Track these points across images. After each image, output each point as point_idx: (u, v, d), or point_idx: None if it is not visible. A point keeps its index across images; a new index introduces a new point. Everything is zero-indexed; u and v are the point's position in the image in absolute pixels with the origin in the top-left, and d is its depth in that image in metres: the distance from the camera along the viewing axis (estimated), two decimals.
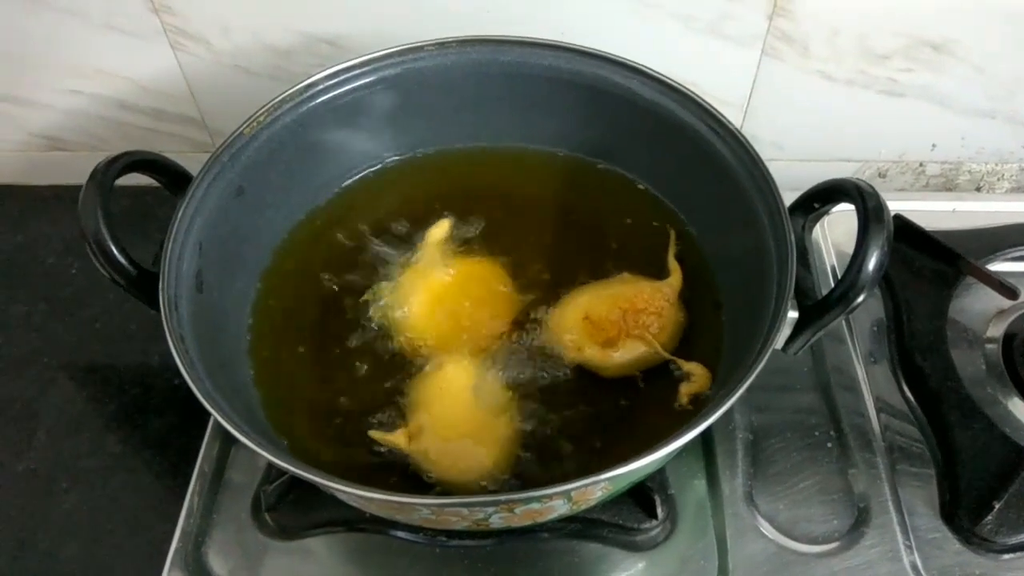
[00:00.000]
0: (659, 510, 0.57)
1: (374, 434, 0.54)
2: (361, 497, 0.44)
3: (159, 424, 0.68)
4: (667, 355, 0.57)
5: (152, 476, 0.65)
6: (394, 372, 0.58)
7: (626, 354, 0.57)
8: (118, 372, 0.72)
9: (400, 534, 0.58)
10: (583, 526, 0.58)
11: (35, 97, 0.80)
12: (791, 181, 0.58)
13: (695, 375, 0.56)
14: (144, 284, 0.52)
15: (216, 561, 0.57)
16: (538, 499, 0.45)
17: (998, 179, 0.87)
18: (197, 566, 0.56)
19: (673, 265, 0.62)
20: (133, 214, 0.79)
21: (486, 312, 0.60)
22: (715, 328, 0.59)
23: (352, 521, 0.58)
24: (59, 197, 0.86)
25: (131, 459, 0.66)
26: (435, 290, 0.60)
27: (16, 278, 0.79)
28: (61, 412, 0.69)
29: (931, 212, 0.76)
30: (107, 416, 0.69)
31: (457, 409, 0.54)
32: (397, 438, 0.53)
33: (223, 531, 0.58)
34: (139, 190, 0.66)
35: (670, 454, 0.44)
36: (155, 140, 0.83)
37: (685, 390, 0.56)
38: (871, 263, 0.47)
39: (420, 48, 0.63)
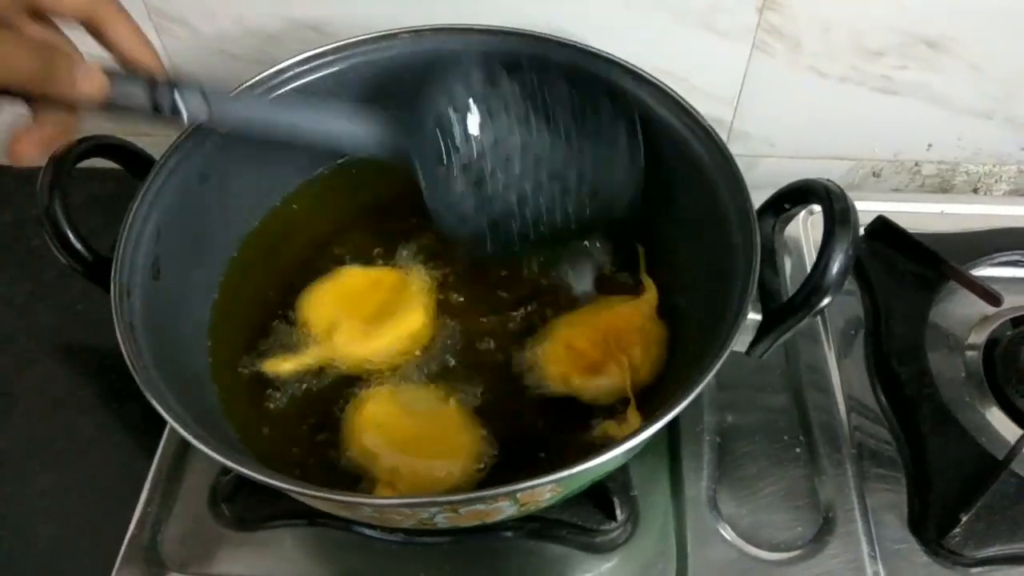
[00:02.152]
0: (618, 512, 0.56)
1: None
2: (304, 495, 0.43)
3: (135, 409, 0.67)
4: (629, 392, 0.55)
5: (125, 460, 0.65)
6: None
7: (611, 380, 0.56)
8: (97, 356, 0.72)
9: (360, 529, 0.57)
10: (542, 526, 0.57)
11: None
12: (782, 178, 0.56)
13: (627, 421, 0.54)
14: (101, 270, 0.51)
15: (171, 550, 0.57)
16: (482, 500, 0.44)
17: (996, 181, 0.85)
18: (151, 555, 0.56)
19: (647, 281, 0.61)
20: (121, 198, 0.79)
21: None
22: (680, 328, 0.58)
23: (311, 515, 0.57)
24: None
25: (105, 443, 0.66)
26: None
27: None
28: (38, 394, 0.69)
29: (920, 214, 0.75)
30: (83, 399, 0.69)
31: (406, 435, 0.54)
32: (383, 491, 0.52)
33: (180, 520, 0.58)
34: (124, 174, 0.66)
35: (618, 457, 0.44)
36: (136, 123, 0.83)
37: (605, 427, 0.55)
38: (835, 266, 0.46)
39: (394, 36, 0.62)
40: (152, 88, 0.46)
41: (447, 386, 0.57)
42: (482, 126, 0.58)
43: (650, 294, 0.60)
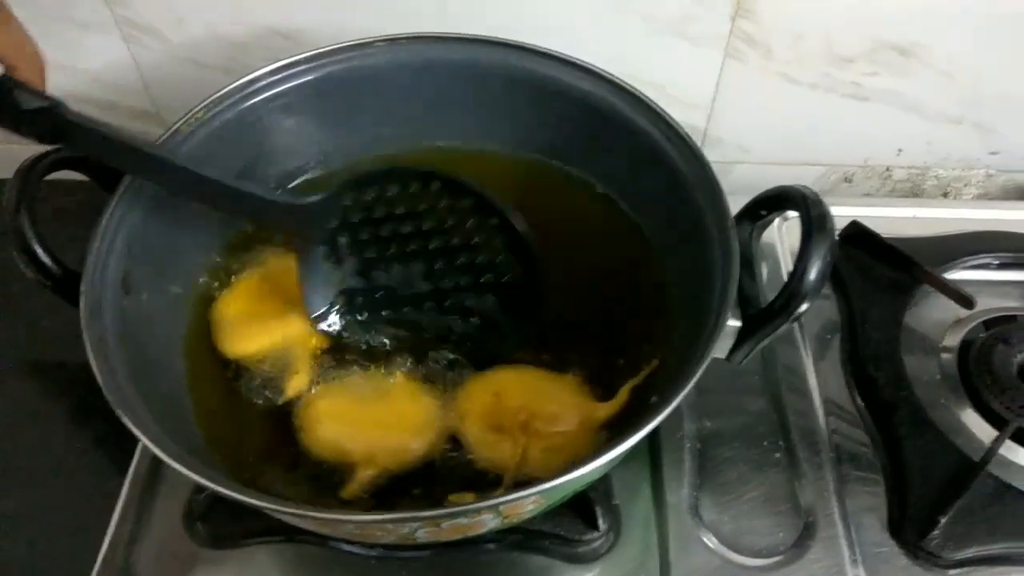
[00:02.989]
0: (600, 521, 0.56)
1: (346, 494, 0.51)
2: (283, 513, 0.42)
3: (104, 426, 0.66)
4: (507, 476, 0.52)
5: (95, 479, 0.63)
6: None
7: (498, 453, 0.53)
8: (65, 371, 0.70)
9: (339, 545, 0.57)
10: (524, 537, 0.57)
11: None
12: (756, 184, 0.56)
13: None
14: (70, 285, 0.50)
15: (145, 570, 0.56)
16: (464, 514, 0.44)
17: (964, 185, 0.86)
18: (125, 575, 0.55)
19: (622, 396, 0.55)
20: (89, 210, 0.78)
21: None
22: (660, 336, 0.58)
23: (288, 531, 0.56)
24: None
25: (75, 461, 0.64)
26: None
27: None
28: (5, 410, 0.67)
29: (893, 218, 0.76)
30: (52, 416, 0.67)
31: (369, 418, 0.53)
32: (362, 478, 0.51)
33: (154, 539, 0.57)
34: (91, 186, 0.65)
35: (600, 468, 0.43)
36: None
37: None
38: (813, 272, 0.46)
39: (369, 44, 0.62)
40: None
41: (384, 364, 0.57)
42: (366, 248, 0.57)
43: (611, 407, 0.54)
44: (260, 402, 0.56)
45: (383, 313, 0.59)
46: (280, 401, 0.56)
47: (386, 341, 0.59)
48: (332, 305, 0.59)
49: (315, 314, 0.58)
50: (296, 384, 0.56)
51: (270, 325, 0.58)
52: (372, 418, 0.54)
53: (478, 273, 0.57)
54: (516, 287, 0.57)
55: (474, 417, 0.54)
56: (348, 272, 0.58)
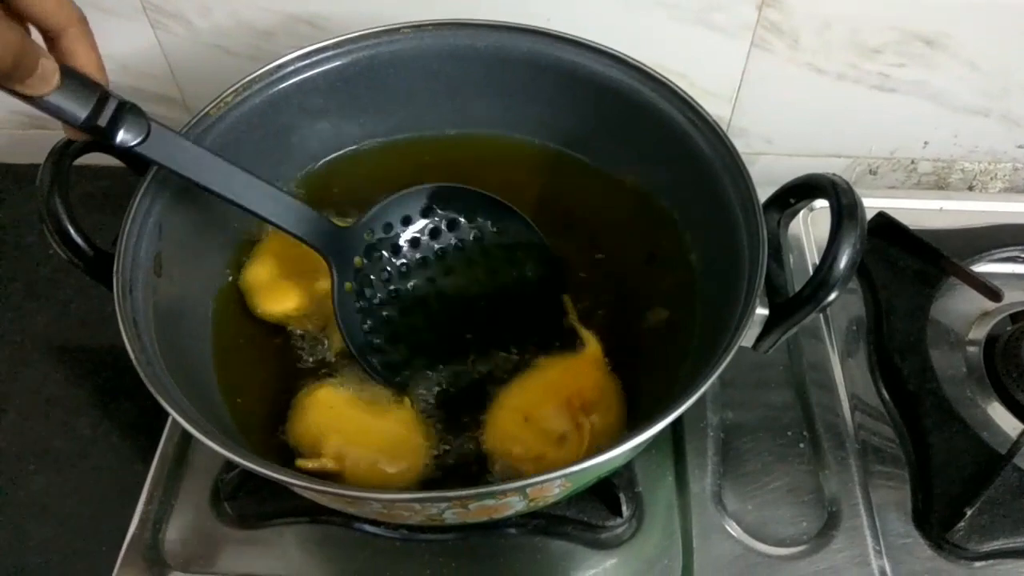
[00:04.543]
0: (624, 508, 0.56)
1: (301, 463, 0.51)
2: (311, 490, 0.43)
3: (130, 407, 0.67)
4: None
5: (121, 460, 0.64)
6: None
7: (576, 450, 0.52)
8: (91, 354, 0.71)
9: (362, 526, 0.57)
10: (547, 522, 0.57)
11: None
12: (780, 175, 0.57)
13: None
14: (103, 266, 0.51)
15: (173, 549, 0.56)
16: (492, 495, 0.44)
17: (991, 178, 0.85)
18: (153, 554, 0.56)
19: (583, 333, 0.57)
20: (121, 195, 0.79)
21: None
22: (685, 323, 0.58)
23: (313, 512, 0.57)
24: None
25: (101, 442, 0.65)
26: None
27: None
28: (32, 393, 0.68)
29: (919, 210, 0.75)
30: (78, 398, 0.68)
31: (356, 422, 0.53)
32: (324, 462, 0.51)
33: (182, 518, 0.58)
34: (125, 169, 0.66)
35: (625, 453, 0.43)
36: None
37: None
38: (842, 261, 0.46)
39: (396, 30, 0.62)
40: (99, 103, 0.45)
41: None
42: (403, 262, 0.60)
43: (592, 345, 0.56)
44: (311, 360, 0.57)
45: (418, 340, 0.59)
46: (332, 357, 0.56)
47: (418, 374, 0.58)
48: (369, 334, 0.58)
49: (356, 344, 0.56)
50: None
51: (304, 281, 0.58)
52: (360, 425, 0.53)
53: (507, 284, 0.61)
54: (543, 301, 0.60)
55: (538, 449, 0.52)
56: (381, 299, 0.59)
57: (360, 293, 0.58)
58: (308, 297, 0.58)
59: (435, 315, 0.60)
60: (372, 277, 0.59)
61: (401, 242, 0.60)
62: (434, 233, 0.61)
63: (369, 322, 0.58)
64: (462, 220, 0.61)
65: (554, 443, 0.52)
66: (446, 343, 0.59)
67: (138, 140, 0.48)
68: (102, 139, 0.46)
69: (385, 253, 0.59)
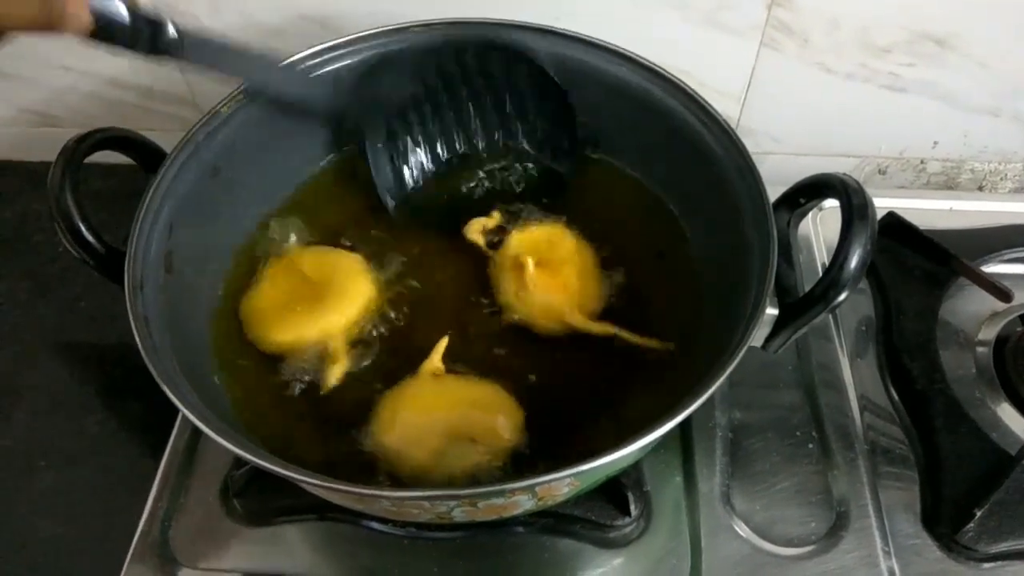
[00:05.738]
0: (632, 507, 0.56)
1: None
2: (321, 487, 0.43)
3: (138, 405, 0.67)
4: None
5: (129, 457, 0.64)
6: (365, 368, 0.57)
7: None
8: (100, 352, 0.71)
9: (370, 524, 0.57)
10: (555, 521, 0.57)
11: (26, 73, 0.80)
12: (789, 175, 0.57)
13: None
14: (113, 264, 0.51)
15: (182, 546, 0.56)
16: (500, 494, 0.44)
17: (1001, 179, 0.85)
18: (162, 550, 0.56)
19: (604, 327, 0.58)
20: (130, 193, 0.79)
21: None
22: (694, 322, 0.58)
23: (322, 509, 0.57)
24: None
25: (109, 440, 0.65)
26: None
27: (2, 254, 0.79)
28: (41, 391, 0.69)
29: (929, 210, 0.75)
30: (87, 396, 0.68)
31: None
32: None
33: (191, 515, 0.58)
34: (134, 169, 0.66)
35: (635, 452, 0.43)
36: (146, 118, 0.83)
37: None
38: (853, 261, 0.46)
39: (405, 29, 0.62)
40: (134, 19, 0.48)
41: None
42: (425, 112, 0.65)
43: (587, 324, 0.58)
44: (301, 389, 0.56)
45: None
46: (323, 391, 0.56)
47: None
48: (403, 185, 0.66)
49: (390, 198, 0.64)
50: (336, 374, 0.56)
51: (304, 316, 0.58)
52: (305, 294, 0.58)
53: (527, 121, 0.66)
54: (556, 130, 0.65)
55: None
56: (414, 146, 0.66)
57: (393, 147, 0.65)
58: (307, 333, 0.58)
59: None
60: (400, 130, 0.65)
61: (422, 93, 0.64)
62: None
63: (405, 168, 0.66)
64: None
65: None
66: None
67: (176, 49, 0.51)
68: (144, 54, 0.50)
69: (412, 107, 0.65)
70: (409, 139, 0.66)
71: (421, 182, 0.67)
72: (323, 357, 0.57)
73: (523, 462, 0.51)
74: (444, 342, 0.56)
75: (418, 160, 0.66)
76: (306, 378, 0.56)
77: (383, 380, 0.56)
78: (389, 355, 0.57)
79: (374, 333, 0.58)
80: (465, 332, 0.58)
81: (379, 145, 0.64)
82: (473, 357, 0.57)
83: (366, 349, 0.58)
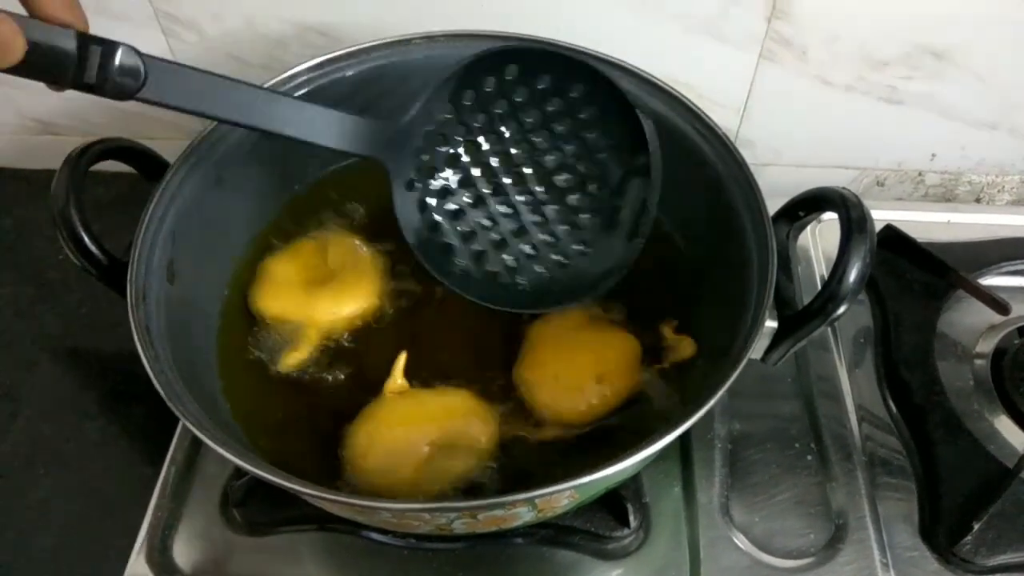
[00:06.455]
0: (632, 518, 0.56)
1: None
2: (321, 499, 0.43)
3: (139, 412, 0.67)
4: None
5: (130, 464, 0.64)
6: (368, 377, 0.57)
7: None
8: (101, 359, 0.72)
9: (370, 535, 0.57)
10: (555, 532, 0.57)
11: (27, 80, 0.79)
12: (787, 187, 0.57)
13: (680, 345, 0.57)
14: (116, 273, 0.51)
15: (182, 555, 0.56)
16: (501, 506, 0.44)
17: (998, 191, 0.85)
18: (163, 559, 0.56)
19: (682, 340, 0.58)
20: (130, 201, 0.79)
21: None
22: (693, 335, 0.58)
23: (321, 520, 0.57)
24: (51, 181, 0.86)
25: (110, 446, 0.65)
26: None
27: (3, 261, 0.79)
28: (42, 397, 0.69)
29: (926, 223, 0.75)
30: (88, 402, 0.68)
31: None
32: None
33: (191, 525, 0.58)
34: (136, 177, 0.66)
35: (635, 465, 0.43)
36: (148, 127, 0.83)
37: (670, 357, 0.57)
38: (852, 274, 0.46)
39: (408, 41, 0.62)
40: (82, 49, 0.40)
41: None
42: (468, 153, 0.55)
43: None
44: (258, 359, 0.57)
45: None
46: (272, 370, 0.57)
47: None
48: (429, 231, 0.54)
49: (414, 237, 0.53)
50: (292, 360, 0.57)
51: (300, 297, 0.59)
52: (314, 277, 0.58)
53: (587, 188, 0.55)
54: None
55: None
56: (443, 190, 0.54)
57: (423, 185, 0.53)
58: (292, 312, 0.58)
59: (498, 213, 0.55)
60: (435, 167, 0.54)
61: (468, 122, 0.53)
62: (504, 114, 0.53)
63: (435, 216, 0.54)
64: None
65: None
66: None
67: (137, 85, 0.42)
68: (99, 94, 0.42)
69: (452, 136, 0.53)
70: (441, 176, 0.54)
71: (453, 236, 0.55)
72: (291, 340, 0.57)
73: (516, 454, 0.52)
74: (403, 358, 0.55)
75: (449, 207, 0.55)
76: (260, 355, 0.57)
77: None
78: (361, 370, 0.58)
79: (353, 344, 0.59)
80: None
81: (402, 184, 0.53)
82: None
83: (339, 356, 0.58)
